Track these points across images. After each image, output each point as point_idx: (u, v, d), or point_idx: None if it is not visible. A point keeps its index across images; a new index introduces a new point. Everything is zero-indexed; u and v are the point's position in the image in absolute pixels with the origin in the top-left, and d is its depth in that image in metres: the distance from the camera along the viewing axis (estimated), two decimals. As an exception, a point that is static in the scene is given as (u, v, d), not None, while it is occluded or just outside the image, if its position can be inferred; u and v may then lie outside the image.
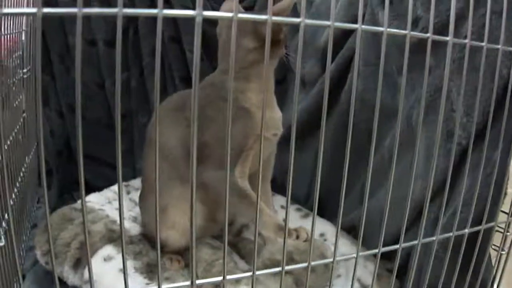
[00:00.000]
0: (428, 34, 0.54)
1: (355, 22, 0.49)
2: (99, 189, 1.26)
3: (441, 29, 0.76)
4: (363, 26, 0.48)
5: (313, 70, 1.32)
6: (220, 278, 0.51)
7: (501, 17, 0.66)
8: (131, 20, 1.42)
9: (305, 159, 1.28)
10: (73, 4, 0.38)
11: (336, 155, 1.08)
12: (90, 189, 1.38)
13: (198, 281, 0.49)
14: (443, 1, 0.83)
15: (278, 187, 1.21)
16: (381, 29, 0.50)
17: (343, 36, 1.20)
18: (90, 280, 0.46)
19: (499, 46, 0.64)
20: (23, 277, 0.96)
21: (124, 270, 0.46)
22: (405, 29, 0.53)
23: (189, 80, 1.47)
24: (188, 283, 0.48)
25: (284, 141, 1.03)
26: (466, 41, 0.59)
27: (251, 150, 0.95)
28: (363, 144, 0.82)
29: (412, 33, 0.53)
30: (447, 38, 0.56)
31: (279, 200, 1.26)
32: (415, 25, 0.94)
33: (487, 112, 0.74)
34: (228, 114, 0.46)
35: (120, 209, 0.45)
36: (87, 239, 0.46)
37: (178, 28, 1.43)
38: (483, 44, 0.62)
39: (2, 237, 0.72)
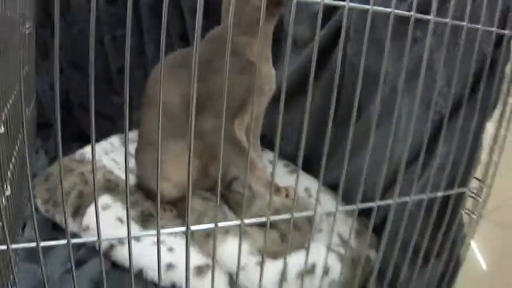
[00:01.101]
0: (411, 13, 0.59)
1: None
2: (96, 140, 1.31)
3: (429, 3, 0.81)
4: (350, 4, 0.52)
5: (305, 32, 1.36)
6: (212, 225, 0.57)
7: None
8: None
9: (295, 117, 1.33)
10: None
11: (325, 115, 1.13)
12: (87, 140, 1.44)
13: (192, 227, 0.55)
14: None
15: (267, 142, 1.27)
16: (367, 6, 0.54)
17: (334, 6, 1.24)
18: (97, 224, 0.51)
19: (479, 26, 0.68)
20: (24, 224, 1.01)
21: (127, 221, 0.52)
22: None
23: (185, 38, 1.50)
24: (183, 228, 0.54)
25: (274, 99, 1.08)
26: (447, 20, 0.64)
27: (252, 104, 1.00)
28: (351, 106, 0.87)
29: (396, 11, 0.57)
30: (429, 17, 0.61)
31: (268, 155, 1.32)
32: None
33: (466, 85, 0.79)
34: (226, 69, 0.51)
35: (126, 177, 0.50)
36: (94, 187, 0.51)
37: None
38: (464, 23, 0.66)
39: (9, 186, 0.77)
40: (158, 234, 0.54)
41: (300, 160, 0.64)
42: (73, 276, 0.55)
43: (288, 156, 1.37)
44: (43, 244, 0.52)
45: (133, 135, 1.42)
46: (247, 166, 0.63)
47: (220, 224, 0.57)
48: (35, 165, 1.29)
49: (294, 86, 1.28)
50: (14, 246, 0.51)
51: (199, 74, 0.50)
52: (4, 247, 0.50)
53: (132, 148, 1.32)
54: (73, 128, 1.45)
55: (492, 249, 1.57)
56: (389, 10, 0.56)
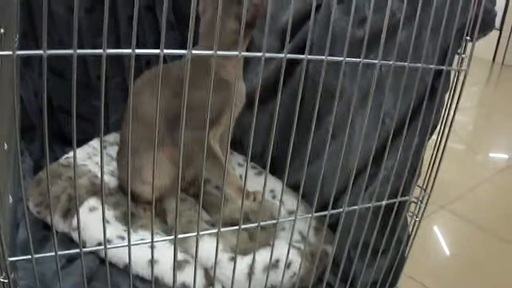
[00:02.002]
0: (359, 59, 0.71)
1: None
2: (78, 143, 1.40)
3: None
4: (308, 56, 0.65)
5: (272, 45, 1.48)
6: (195, 234, 0.69)
7: (431, 32, 0.83)
8: (109, -10, 1.53)
9: (262, 121, 1.44)
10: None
11: (289, 121, 1.27)
12: (70, 142, 1.54)
13: (179, 236, 0.67)
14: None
15: (236, 144, 1.40)
16: (322, 57, 0.67)
17: (301, 20, 1.36)
18: (79, 235, 0.63)
19: (419, 65, 0.82)
20: (17, 225, 1.11)
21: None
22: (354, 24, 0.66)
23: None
24: (172, 237, 0.67)
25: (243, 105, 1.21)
26: (391, 62, 0.77)
27: (226, 116, 1.11)
28: (312, 116, 1.00)
29: (347, 59, 0.70)
30: (375, 61, 0.74)
31: (237, 157, 1.45)
32: (361, 24, 1.12)
33: (409, 108, 0.93)
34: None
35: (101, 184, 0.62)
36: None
37: (153, -1, 1.57)
38: (405, 64, 0.80)
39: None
40: (152, 241, 0.66)
41: (267, 171, 0.76)
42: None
43: (256, 158, 1.50)
44: (36, 256, 0.63)
45: (111, 137, 1.53)
46: (223, 176, 0.74)
47: (201, 232, 0.70)
48: (22, 167, 1.37)
49: (262, 93, 1.40)
50: (10, 259, 0.62)
51: (177, 90, 0.61)
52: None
53: (111, 150, 1.43)
54: (54, 130, 1.54)
55: (454, 237, 1.77)
56: (340, 59, 0.69)
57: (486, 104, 3.73)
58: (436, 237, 1.78)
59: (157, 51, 0.55)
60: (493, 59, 4.68)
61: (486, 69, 4.55)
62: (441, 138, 0.95)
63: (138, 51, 0.55)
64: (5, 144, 0.84)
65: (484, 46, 4.33)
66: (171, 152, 1.14)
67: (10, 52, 0.50)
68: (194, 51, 0.56)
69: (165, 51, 0.56)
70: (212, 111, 1.15)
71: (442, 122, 0.94)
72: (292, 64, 1.40)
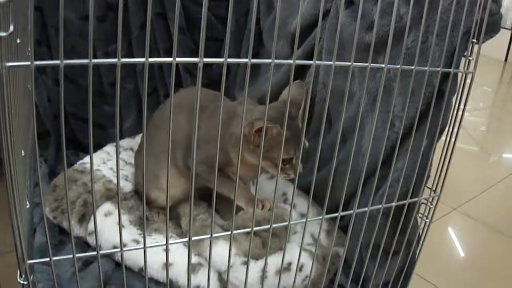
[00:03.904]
0: (366, 64, 0.73)
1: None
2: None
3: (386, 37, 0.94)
4: (317, 62, 0.67)
5: (283, 50, 1.49)
6: (208, 236, 0.71)
7: (437, 36, 0.84)
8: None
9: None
10: None
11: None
12: (83, 148, 1.56)
13: (193, 238, 0.69)
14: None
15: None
16: (330, 62, 0.68)
17: (310, 25, 1.37)
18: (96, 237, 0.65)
19: (426, 68, 0.83)
20: (34, 230, 1.13)
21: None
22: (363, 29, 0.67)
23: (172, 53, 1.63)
24: (186, 239, 0.68)
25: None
26: (398, 66, 0.78)
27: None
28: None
29: (355, 64, 0.71)
30: (382, 65, 0.75)
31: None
32: (370, 29, 1.13)
33: (417, 111, 0.94)
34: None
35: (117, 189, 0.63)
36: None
37: (164, 5, 1.59)
38: (413, 67, 0.81)
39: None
40: (167, 244, 0.68)
41: (278, 174, 0.78)
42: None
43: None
44: (54, 258, 0.65)
45: (125, 142, 1.55)
46: (234, 192, 0.75)
47: (214, 235, 0.71)
48: (37, 174, 1.40)
49: (273, 96, 1.42)
50: (30, 261, 0.64)
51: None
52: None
53: (125, 156, 1.45)
54: (68, 136, 1.57)
55: (467, 239, 1.78)
56: (348, 63, 0.71)
57: (499, 104, 3.71)
58: (449, 239, 1.78)
59: (169, 59, 0.57)
60: (505, 59, 4.65)
61: (499, 70, 4.52)
62: (449, 140, 0.96)
63: (151, 60, 0.56)
64: (22, 151, 0.87)
65: (496, 46, 4.31)
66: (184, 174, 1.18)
67: (28, 62, 0.52)
68: (205, 59, 0.58)
69: (178, 59, 0.58)
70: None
71: (450, 124, 0.95)
72: (303, 68, 1.41)
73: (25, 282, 0.64)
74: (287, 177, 1.06)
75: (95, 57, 1.59)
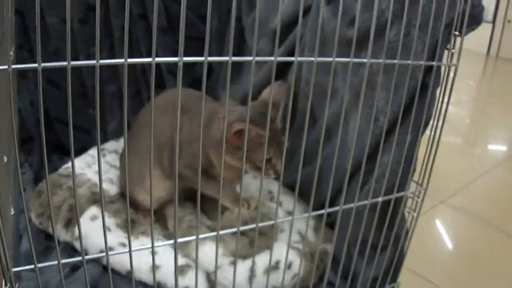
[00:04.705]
0: (349, 59, 0.73)
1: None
2: (76, 152, 1.41)
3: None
4: (299, 58, 0.66)
5: (265, 48, 1.49)
6: (194, 237, 0.71)
7: (419, 29, 0.84)
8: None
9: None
10: None
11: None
12: (68, 152, 1.54)
13: (179, 240, 0.68)
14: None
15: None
16: (312, 58, 0.68)
17: (292, 22, 1.37)
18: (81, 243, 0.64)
19: (409, 62, 0.83)
20: (20, 236, 1.12)
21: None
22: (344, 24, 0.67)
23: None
24: (172, 241, 0.68)
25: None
26: (381, 60, 0.78)
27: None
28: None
29: (337, 59, 0.71)
30: (365, 60, 0.75)
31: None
32: (352, 24, 1.13)
33: (401, 105, 0.94)
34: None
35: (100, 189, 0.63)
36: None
37: (146, 6, 1.57)
38: (396, 61, 0.81)
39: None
40: (152, 246, 0.67)
41: (262, 174, 0.77)
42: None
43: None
44: (40, 265, 0.64)
45: (109, 145, 1.54)
46: (219, 192, 0.75)
47: (200, 236, 0.71)
48: (23, 179, 1.38)
49: (255, 94, 1.42)
50: (14, 269, 0.63)
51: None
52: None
53: (109, 158, 1.44)
54: (52, 140, 1.55)
55: (454, 231, 1.79)
56: (330, 59, 0.70)
57: (482, 97, 3.75)
58: (437, 231, 1.79)
59: (149, 60, 0.57)
60: (487, 52, 4.70)
61: (481, 62, 4.57)
62: (434, 133, 0.96)
63: (130, 60, 0.56)
64: (5, 157, 0.85)
65: (477, 40, 4.35)
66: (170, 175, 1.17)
67: (5, 67, 0.51)
68: (185, 58, 0.57)
69: (157, 59, 0.57)
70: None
71: (435, 117, 0.95)
72: (286, 66, 1.41)
73: (10, 291, 0.63)
74: (268, 177, 1.05)
75: (77, 59, 1.57)
